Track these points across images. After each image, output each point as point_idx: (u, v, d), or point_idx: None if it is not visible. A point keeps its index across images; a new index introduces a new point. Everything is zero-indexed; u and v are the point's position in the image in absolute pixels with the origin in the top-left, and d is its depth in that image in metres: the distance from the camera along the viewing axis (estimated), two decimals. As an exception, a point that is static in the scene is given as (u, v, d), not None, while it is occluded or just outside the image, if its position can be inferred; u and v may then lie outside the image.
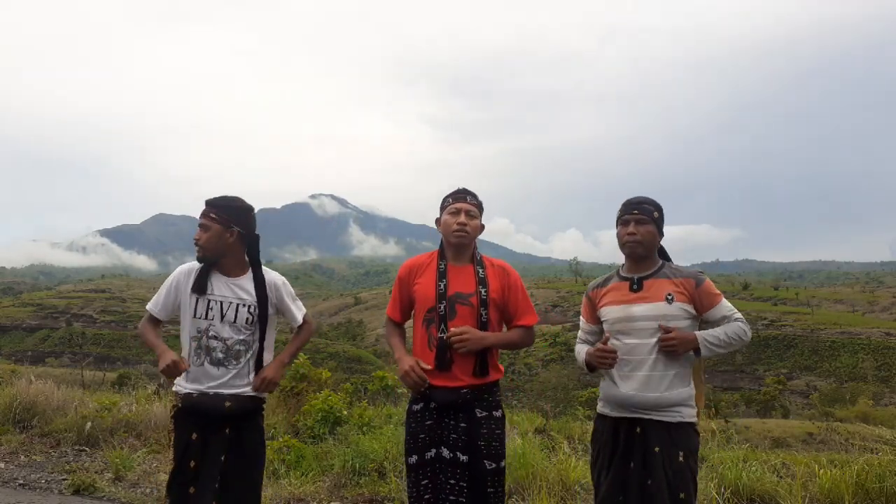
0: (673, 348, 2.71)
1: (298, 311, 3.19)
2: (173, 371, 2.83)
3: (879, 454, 4.58)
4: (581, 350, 3.04)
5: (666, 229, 2.98)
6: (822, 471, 4.48)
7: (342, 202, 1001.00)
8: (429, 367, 2.86)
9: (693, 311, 2.82)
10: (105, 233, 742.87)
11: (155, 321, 3.07)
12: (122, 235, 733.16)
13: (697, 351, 2.75)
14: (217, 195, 3.06)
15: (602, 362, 2.83)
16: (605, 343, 2.83)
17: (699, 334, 2.76)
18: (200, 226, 2.98)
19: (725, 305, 2.83)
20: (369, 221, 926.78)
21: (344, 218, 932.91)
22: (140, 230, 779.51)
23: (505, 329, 3.08)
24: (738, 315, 2.82)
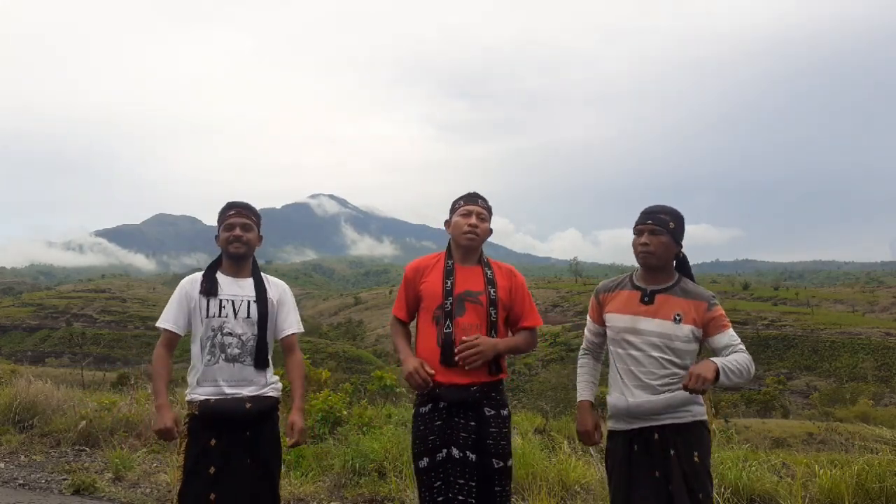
0: (706, 381, 2.52)
1: (294, 321, 3.15)
2: (167, 435, 2.88)
3: (879, 454, 4.58)
4: (582, 379, 3.08)
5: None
6: (822, 471, 4.48)
7: (342, 202, 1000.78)
8: (432, 371, 2.86)
9: (699, 334, 2.78)
10: (105, 232, 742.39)
11: (170, 344, 3.02)
12: (121, 235, 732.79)
13: (717, 376, 2.58)
14: (237, 199, 3.12)
15: (584, 442, 3.06)
16: (599, 439, 3.00)
17: (718, 361, 2.60)
18: (242, 225, 3.01)
19: (731, 335, 2.76)
20: (369, 222, 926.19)
21: (344, 218, 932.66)
22: (140, 230, 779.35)
23: (509, 334, 3.09)
24: (742, 346, 2.75)
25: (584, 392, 3.05)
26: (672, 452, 2.71)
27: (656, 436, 2.76)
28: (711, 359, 2.66)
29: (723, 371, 2.58)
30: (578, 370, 3.12)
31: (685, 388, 2.56)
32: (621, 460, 2.84)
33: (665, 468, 2.72)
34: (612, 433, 2.95)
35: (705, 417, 2.83)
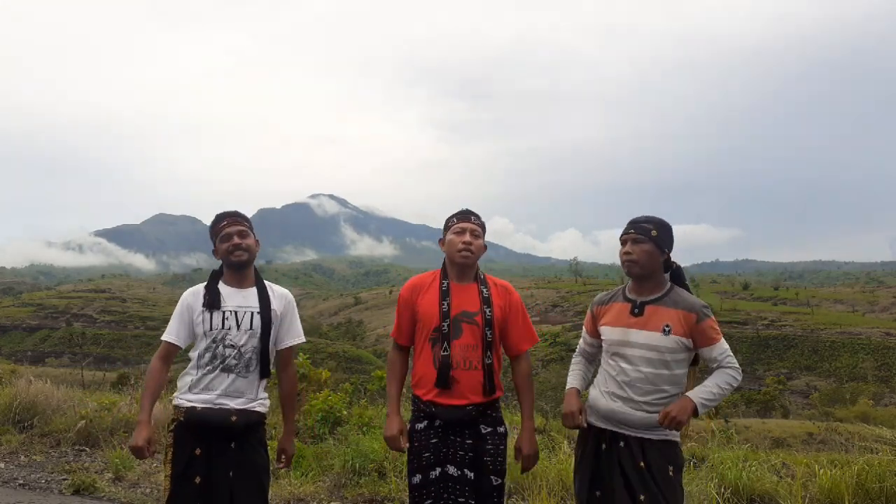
0: (679, 423, 2.63)
1: (296, 332, 3.15)
2: (138, 454, 2.86)
3: (879, 454, 4.58)
4: (573, 373, 3.12)
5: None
6: (822, 471, 4.49)
7: (342, 202, 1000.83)
8: (406, 445, 2.94)
9: (689, 345, 2.77)
10: (104, 232, 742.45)
11: (168, 356, 3.02)
12: (121, 235, 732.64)
13: (695, 412, 2.68)
14: (235, 201, 3.10)
15: (566, 423, 2.98)
16: (581, 422, 2.92)
17: (696, 399, 2.67)
18: (239, 233, 3.00)
19: (721, 347, 2.75)
20: (369, 222, 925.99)
21: (344, 218, 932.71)
22: (140, 230, 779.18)
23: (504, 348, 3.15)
24: (730, 359, 2.75)
25: (573, 382, 3.09)
26: (642, 464, 2.71)
27: (622, 444, 2.78)
28: (689, 394, 2.69)
29: (701, 407, 2.66)
30: (571, 367, 3.16)
31: (660, 423, 2.66)
32: (590, 454, 2.88)
33: (633, 475, 2.71)
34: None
35: (678, 439, 2.83)
